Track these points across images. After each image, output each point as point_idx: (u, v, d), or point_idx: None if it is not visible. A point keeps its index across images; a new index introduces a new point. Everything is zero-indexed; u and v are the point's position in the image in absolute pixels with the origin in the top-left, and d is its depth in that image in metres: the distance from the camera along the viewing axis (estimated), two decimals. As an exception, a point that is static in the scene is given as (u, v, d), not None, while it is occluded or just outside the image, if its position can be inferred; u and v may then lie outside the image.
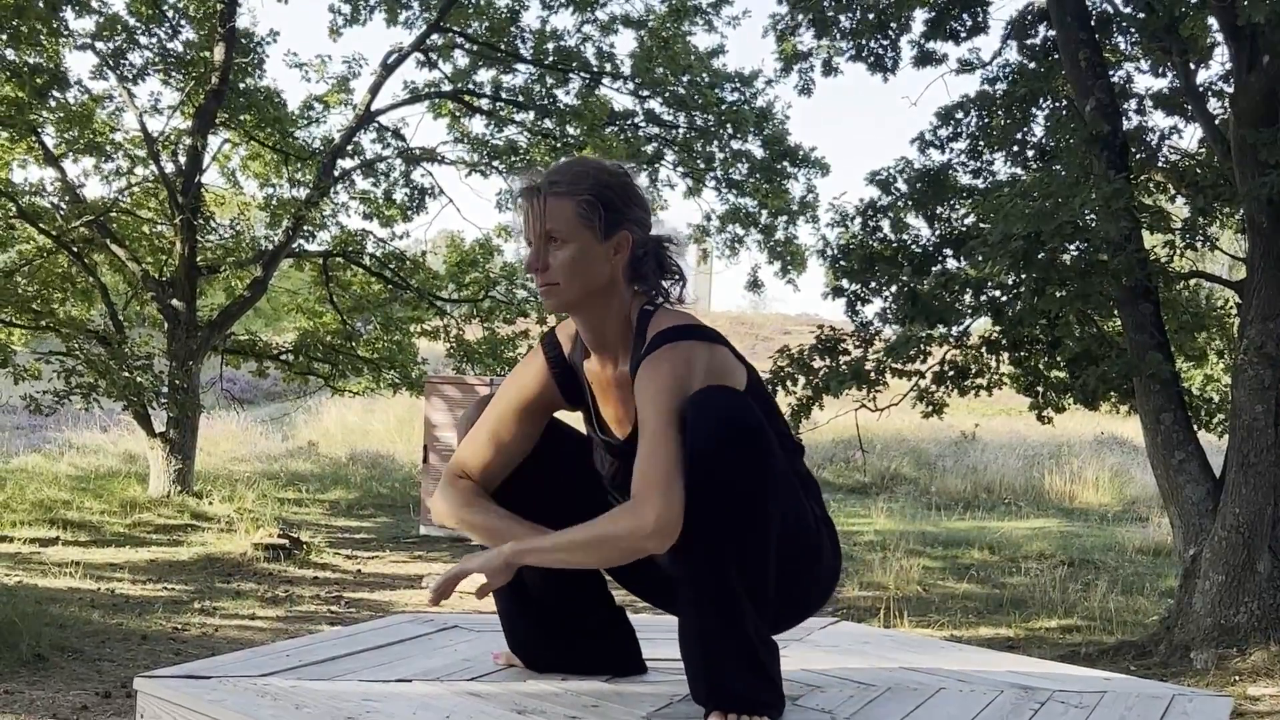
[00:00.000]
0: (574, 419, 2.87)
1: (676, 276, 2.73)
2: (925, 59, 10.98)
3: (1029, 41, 10.85)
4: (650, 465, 2.40)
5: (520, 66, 17.04)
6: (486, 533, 2.66)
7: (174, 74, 15.04)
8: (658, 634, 2.93)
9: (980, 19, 10.73)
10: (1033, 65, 10.73)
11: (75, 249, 14.64)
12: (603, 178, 2.64)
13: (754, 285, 17.61)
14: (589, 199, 2.59)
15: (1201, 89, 9.46)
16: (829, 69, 11.26)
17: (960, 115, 11.00)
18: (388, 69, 16.16)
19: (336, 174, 16.27)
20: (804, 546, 2.58)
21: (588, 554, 2.49)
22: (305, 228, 15.92)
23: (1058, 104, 10.64)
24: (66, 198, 14.60)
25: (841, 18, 10.85)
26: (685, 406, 2.41)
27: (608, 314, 2.66)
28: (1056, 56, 10.02)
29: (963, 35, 10.84)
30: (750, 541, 2.40)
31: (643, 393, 2.49)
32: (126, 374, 13.21)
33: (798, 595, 2.64)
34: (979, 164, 11.01)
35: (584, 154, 15.43)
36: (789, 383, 10.15)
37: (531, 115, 17.04)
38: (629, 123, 16.92)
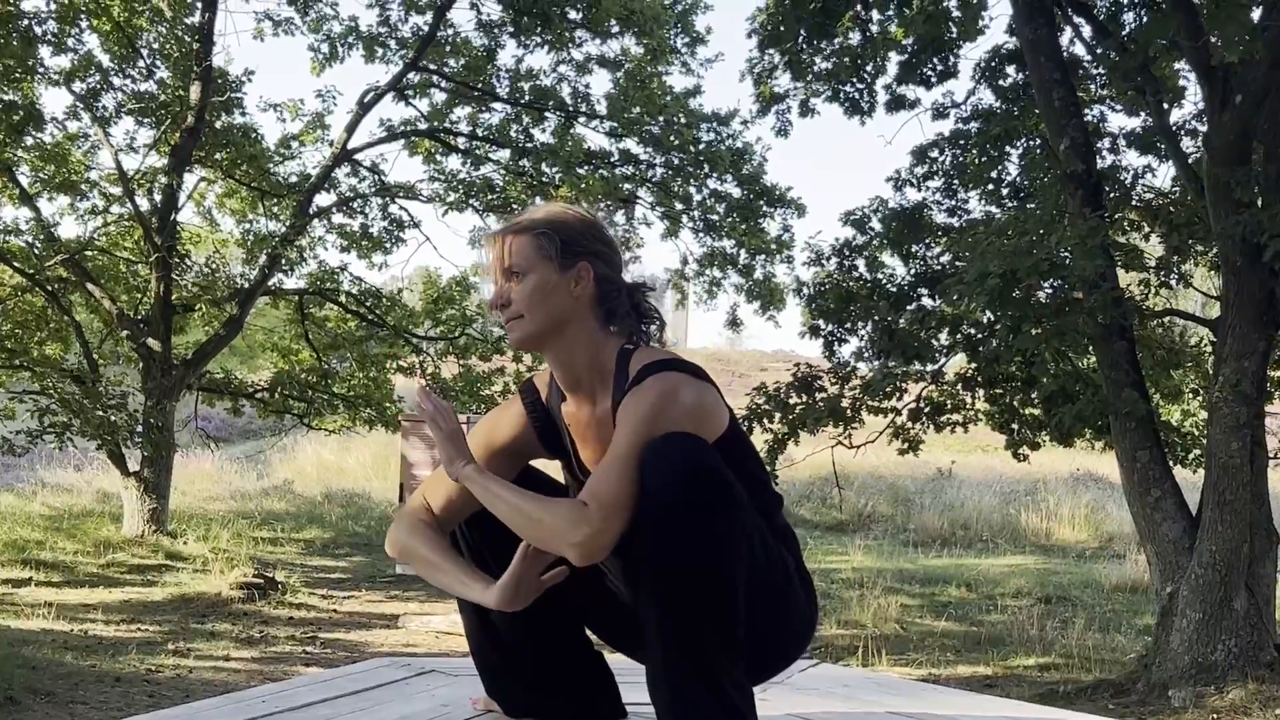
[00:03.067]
0: (552, 468, 2.86)
1: (655, 321, 2.73)
2: (898, 104, 11.05)
3: (1000, 83, 10.94)
4: (605, 484, 2.40)
5: (496, 105, 17.10)
6: (424, 564, 2.72)
7: (149, 114, 15.01)
8: (636, 677, 2.91)
9: (950, 64, 10.80)
10: (1004, 107, 10.81)
11: (50, 288, 14.58)
12: (563, 215, 2.68)
13: (733, 324, 17.66)
14: (545, 232, 2.63)
15: (1175, 128, 9.53)
16: (805, 110, 11.31)
17: (935, 154, 11.07)
18: (364, 107, 16.19)
19: (313, 211, 16.27)
20: (778, 597, 2.57)
21: (520, 521, 2.49)
22: (282, 263, 15.90)
23: (1032, 143, 10.72)
24: (41, 236, 14.55)
25: (817, 59, 10.91)
26: (645, 453, 2.40)
27: (575, 348, 2.66)
28: (1029, 97, 10.09)
29: (933, 80, 10.92)
30: (716, 592, 2.38)
31: (622, 418, 2.49)
32: (101, 413, 13.14)
33: (772, 646, 2.63)
34: (954, 203, 11.07)
35: (556, 200, 15.51)
36: (765, 420, 10.15)
37: (507, 154, 17.07)
38: (605, 162, 16.96)
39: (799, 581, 2.66)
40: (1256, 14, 7.75)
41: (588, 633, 2.87)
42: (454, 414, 2.62)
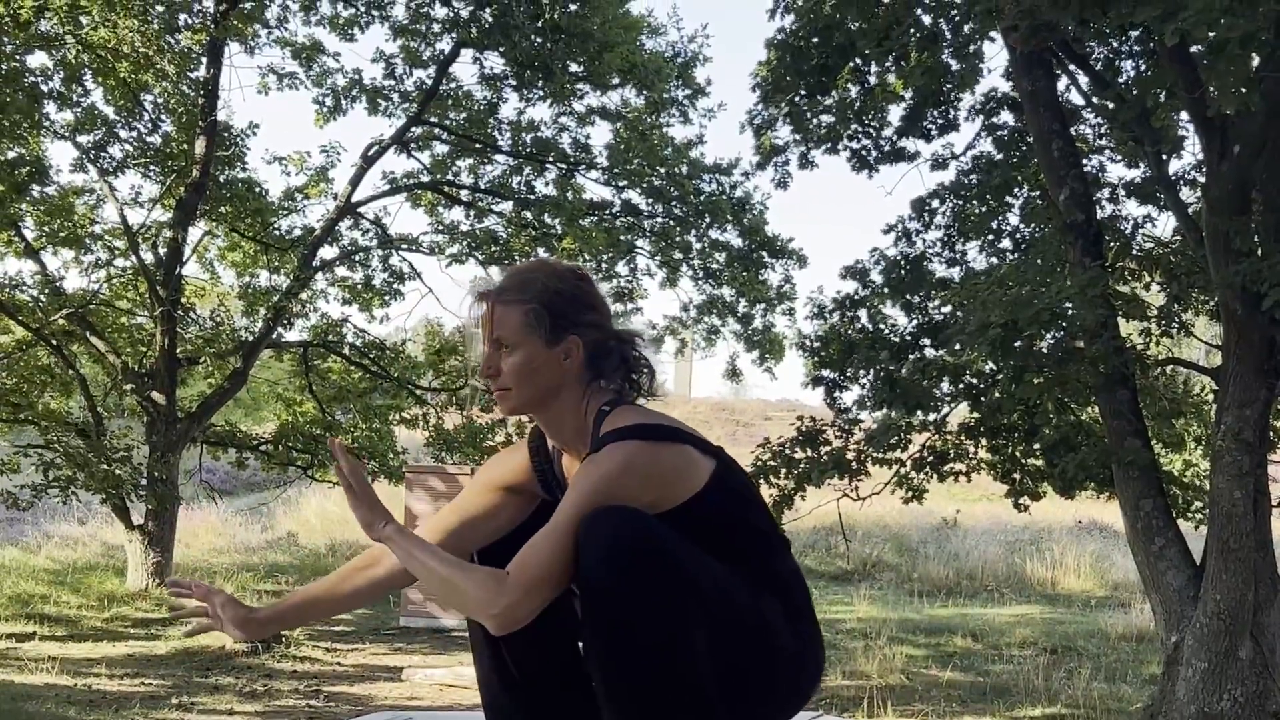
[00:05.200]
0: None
1: (644, 371, 2.75)
2: (897, 156, 11.11)
3: (994, 126, 11.02)
4: (534, 556, 2.41)
5: (499, 157, 17.20)
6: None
7: (153, 167, 15.10)
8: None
9: (951, 116, 10.88)
10: (1000, 155, 10.88)
11: (54, 342, 14.62)
12: (551, 284, 2.69)
13: (732, 374, 17.66)
14: (535, 307, 2.65)
15: (1174, 178, 9.57)
16: (805, 162, 11.37)
17: (935, 204, 11.13)
18: (368, 161, 16.29)
19: (317, 264, 16.33)
20: (747, 649, 2.55)
21: (438, 587, 2.51)
22: (285, 317, 15.95)
23: (1032, 193, 10.77)
24: (46, 290, 14.60)
25: (818, 114, 10.98)
26: (580, 529, 2.39)
27: (562, 416, 2.71)
28: (1026, 144, 10.16)
29: (934, 133, 11.00)
30: (666, 665, 2.37)
31: (572, 485, 2.51)
32: (105, 466, 13.15)
33: (756, 697, 2.60)
34: (953, 254, 11.12)
35: (559, 252, 15.55)
36: (772, 475, 10.16)
37: (510, 205, 17.15)
38: (607, 213, 17.03)
39: (792, 624, 2.64)
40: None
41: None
42: (365, 474, 2.66)
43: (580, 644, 2.78)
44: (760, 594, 2.59)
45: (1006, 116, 11.05)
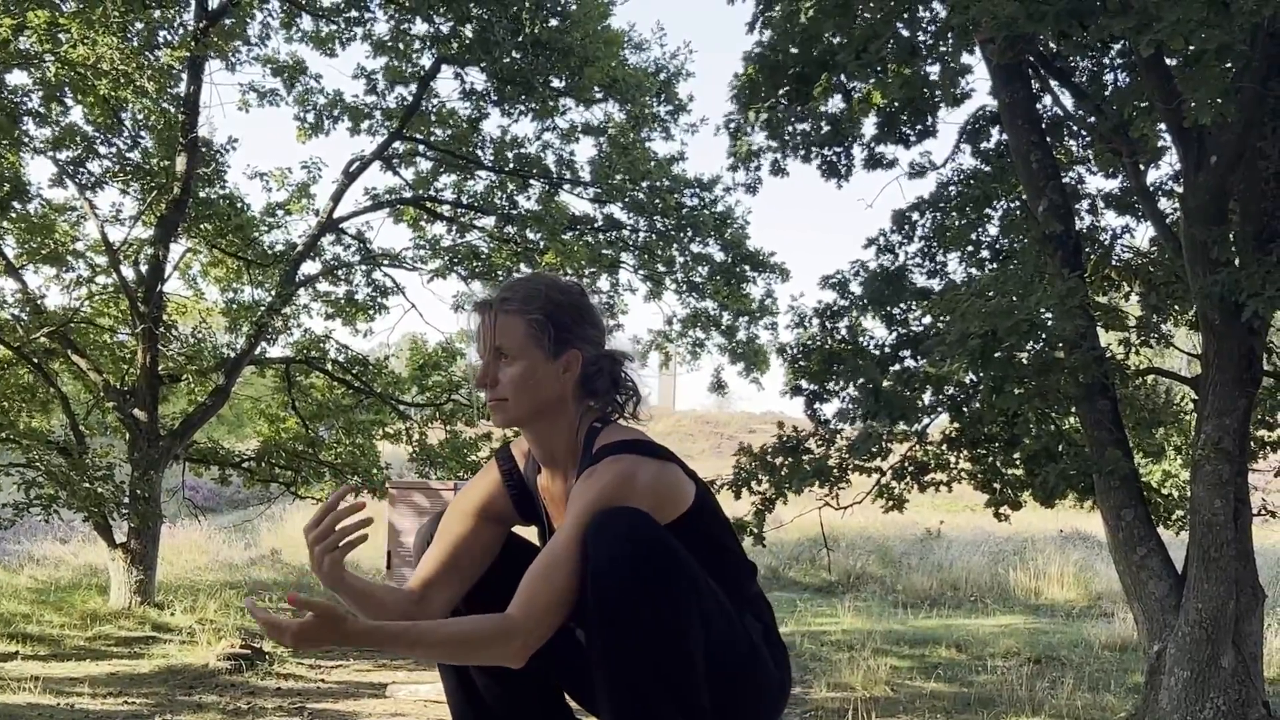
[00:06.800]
0: (530, 534, 2.88)
1: (631, 392, 2.75)
2: (875, 162, 11.13)
3: (983, 146, 11.04)
4: (538, 590, 2.41)
5: (481, 173, 17.20)
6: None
7: (133, 183, 15.05)
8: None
9: (929, 123, 10.90)
10: (987, 169, 10.90)
11: (35, 360, 14.56)
12: (554, 296, 2.67)
13: (718, 387, 17.62)
14: (539, 318, 2.63)
15: (1152, 189, 9.61)
16: (777, 169, 11.36)
17: (915, 216, 11.15)
18: (350, 177, 16.28)
19: (299, 279, 16.31)
20: (742, 665, 2.57)
21: (450, 658, 2.51)
22: (268, 333, 15.92)
23: (1012, 205, 10.80)
24: (27, 309, 14.55)
25: (794, 123, 11.00)
26: (589, 530, 2.39)
27: (556, 430, 2.69)
28: (1005, 156, 10.19)
29: (912, 139, 11.02)
30: (666, 663, 2.37)
31: (574, 500, 2.50)
32: (87, 485, 13.09)
33: (740, 714, 2.61)
34: (934, 265, 11.14)
35: (541, 267, 15.56)
36: (752, 483, 10.16)
37: (492, 221, 17.16)
38: (589, 227, 17.05)
39: (768, 648, 2.66)
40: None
41: (570, 703, 2.88)
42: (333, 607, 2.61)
43: (552, 668, 2.78)
44: (743, 614, 2.61)
45: (994, 133, 11.07)
